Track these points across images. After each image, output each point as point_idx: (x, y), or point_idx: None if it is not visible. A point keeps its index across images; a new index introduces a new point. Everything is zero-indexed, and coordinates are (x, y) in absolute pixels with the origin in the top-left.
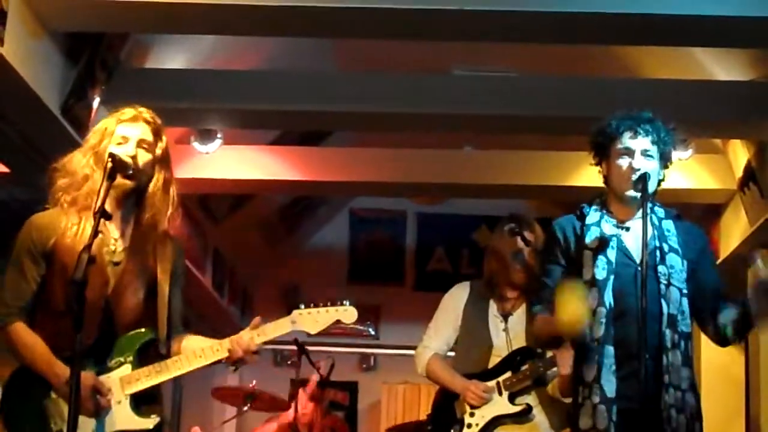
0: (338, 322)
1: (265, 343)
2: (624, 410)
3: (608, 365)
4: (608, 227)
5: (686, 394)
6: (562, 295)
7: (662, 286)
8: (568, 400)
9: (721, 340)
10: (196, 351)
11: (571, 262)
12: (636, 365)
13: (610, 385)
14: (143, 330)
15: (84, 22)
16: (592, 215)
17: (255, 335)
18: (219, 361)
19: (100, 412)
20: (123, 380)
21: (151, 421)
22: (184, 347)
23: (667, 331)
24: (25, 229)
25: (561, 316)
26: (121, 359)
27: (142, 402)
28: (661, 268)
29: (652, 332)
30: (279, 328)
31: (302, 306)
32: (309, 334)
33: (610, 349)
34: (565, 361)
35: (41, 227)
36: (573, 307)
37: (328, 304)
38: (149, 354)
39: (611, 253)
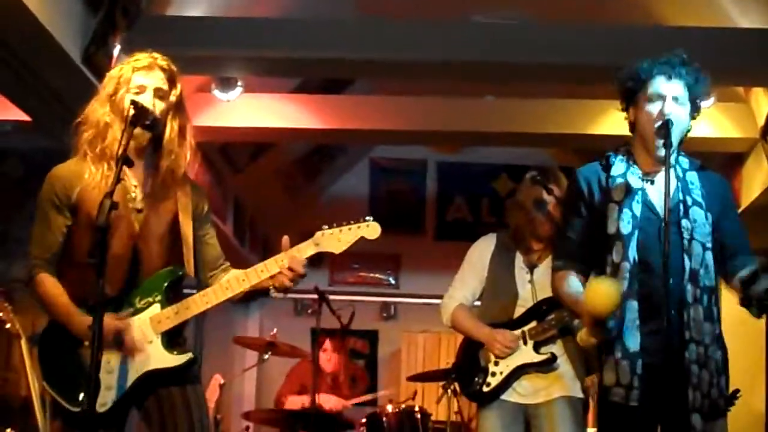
0: (362, 238)
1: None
2: (648, 365)
3: (632, 320)
4: (634, 179)
5: (710, 349)
6: (591, 290)
7: (685, 241)
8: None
9: (746, 306)
10: (224, 283)
11: (594, 213)
12: (660, 321)
13: (634, 339)
14: (169, 269)
15: None
16: (618, 165)
17: (286, 257)
18: (256, 290)
19: (127, 352)
20: (153, 319)
21: (184, 357)
22: (226, 280)
23: (689, 286)
24: (47, 182)
25: (589, 309)
26: (150, 299)
27: (174, 340)
28: (684, 223)
29: (675, 287)
30: (303, 250)
31: (325, 227)
32: (334, 254)
33: (633, 304)
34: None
35: (63, 178)
36: (601, 302)
37: (351, 222)
38: (181, 293)
39: (636, 207)
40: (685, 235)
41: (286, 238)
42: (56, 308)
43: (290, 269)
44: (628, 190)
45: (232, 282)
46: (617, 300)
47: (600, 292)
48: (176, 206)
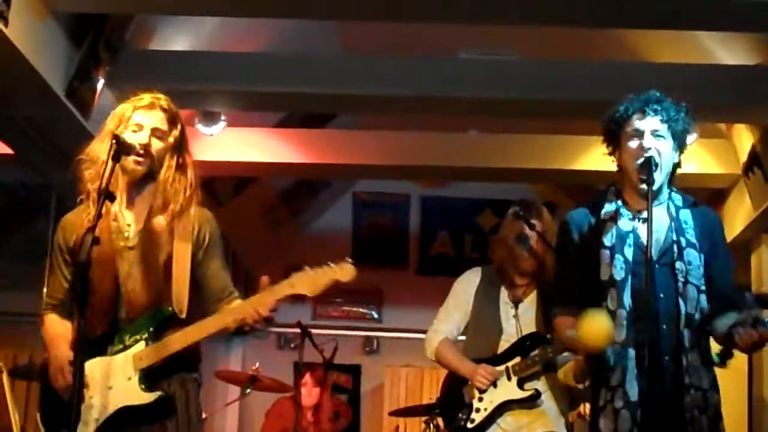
0: (336, 281)
1: (268, 315)
2: (646, 413)
3: (631, 368)
4: (624, 222)
5: (708, 393)
6: (585, 322)
7: (679, 284)
8: (582, 386)
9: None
10: (201, 323)
11: (586, 259)
12: (656, 366)
13: (633, 389)
14: (159, 308)
15: (88, 3)
16: (608, 208)
17: (260, 299)
18: (227, 331)
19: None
20: (135, 357)
21: (154, 395)
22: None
23: (686, 331)
24: (57, 229)
25: (584, 342)
26: (138, 336)
27: (153, 377)
28: (678, 265)
29: (669, 332)
30: (278, 292)
31: (306, 267)
32: (308, 297)
33: (632, 352)
34: None
35: (67, 226)
36: (596, 334)
37: (328, 264)
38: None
39: (628, 251)
40: (680, 278)
41: (264, 279)
42: (46, 343)
43: (256, 311)
44: (619, 234)
45: (207, 322)
46: (611, 333)
47: (594, 326)
48: (172, 237)
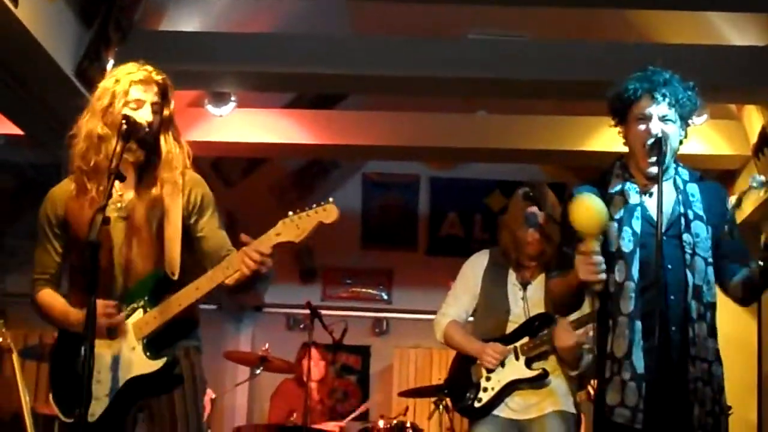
0: (320, 223)
1: (261, 259)
2: (651, 384)
3: (638, 340)
4: (632, 194)
5: (712, 366)
6: (577, 204)
7: (687, 256)
8: (573, 372)
9: (740, 300)
10: (194, 283)
11: None
12: (663, 337)
13: (639, 361)
14: (151, 273)
15: None
16: (615, 181)
17: (246, 250)
18: (225, 287)
19: (111, 332)
20: (135, 326)
21: (160, 361)
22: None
23: (693, 303)
24: (43, 203)
25: (576, 225)
26: (134, 305)
27: (157, 344)
28: (686, 237)
29: (677, 303)
30: (265, 242)
31: (290, 213)
32: (294, 243)
33: (639, 324)
34: (560, 335)
35: (54, 199)
36: (590, 211)
37: (310, 207)
38: (159, 295)
39: (636, 224)
40: (687, 250)
41: (243, 235)
42: (53, 314)
43: (249, 258)
44: (627, 206)
45: (201, 281)
46: (604, 214)
47: (586, 206)
48: (165, 208)
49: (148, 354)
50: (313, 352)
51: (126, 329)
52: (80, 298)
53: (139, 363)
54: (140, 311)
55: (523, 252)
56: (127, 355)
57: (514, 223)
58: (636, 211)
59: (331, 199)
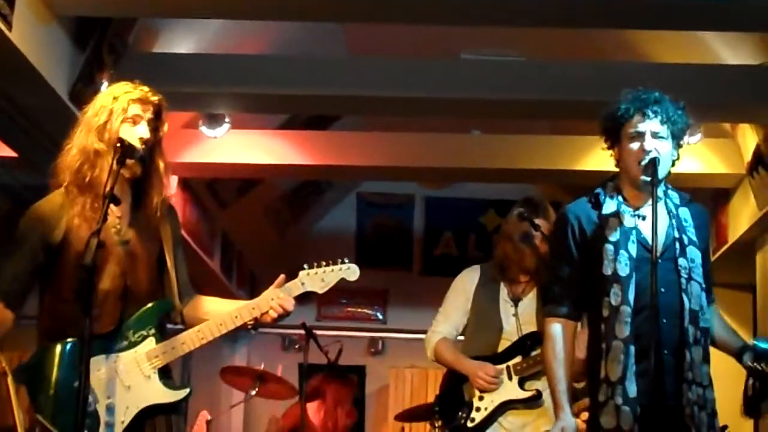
0: (343, 279)
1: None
2: (644, 407)
3: (630, 365)
4: (626, 218)
5: (706, 390)
6: None
7: (683, 280)
8: (580, 385)
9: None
10: (217, 319)
11: (586, 252)
12: (656, 361)
13: (632, 386)
14: (160, 301)
15: (92, 7)
16: (609, 204)
17: (279, 293)
18: (246, 326)
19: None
20: (149, 354)
21: (182, 392)
22: (208, 312)
23: (690, 327)
24: (26, 218)
25: None
26: (144, 332)
27: (166, 374)
28: (681, 261)
29: (673, 328)
30: (291, 290)
31: (306, 266)
32: (317, 294)
33: (633, 348)
34: (579, 344)
35: (43, 218)
36: None
37: (330, 263)
38: (164, 324)
39: (632, 248)
40: (683, 274)
41: (282, 277)
42: None
43: (281, 306)
44: (623, 229)
45: (225, 319)
46: None
47: None
48: (161, 236)
49: (165, 384)
50: (308, 407)
51: (137, 357)
52: (58, 325)
53: (157, 392)
54: (152, 339)
55: (522, 263)
56: (142, 382)
57: (513, 237)
58: (632, 235)
59: (347, 260)
